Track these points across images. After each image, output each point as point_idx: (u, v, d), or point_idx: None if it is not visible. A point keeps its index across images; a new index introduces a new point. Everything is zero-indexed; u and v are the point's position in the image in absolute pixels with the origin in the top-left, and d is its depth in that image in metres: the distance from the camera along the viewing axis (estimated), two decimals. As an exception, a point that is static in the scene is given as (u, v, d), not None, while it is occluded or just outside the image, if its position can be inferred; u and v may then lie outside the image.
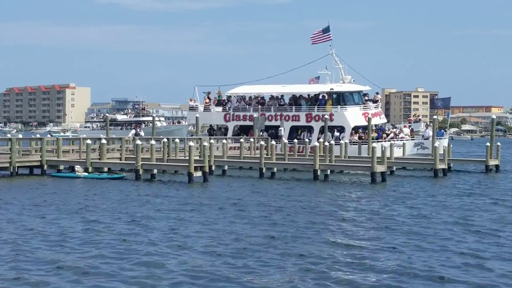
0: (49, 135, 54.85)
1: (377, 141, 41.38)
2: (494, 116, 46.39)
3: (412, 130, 46.16)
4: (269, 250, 13.61)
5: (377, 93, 49.49)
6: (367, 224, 17.58)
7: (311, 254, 13.22)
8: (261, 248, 13.81)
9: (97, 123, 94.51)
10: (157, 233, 15.55)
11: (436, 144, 35.87)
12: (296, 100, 47.79)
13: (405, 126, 48.35)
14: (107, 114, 62.53)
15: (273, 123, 46.90)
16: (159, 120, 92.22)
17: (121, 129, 78.97)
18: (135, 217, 18.16)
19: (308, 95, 47.38)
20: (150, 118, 76.02)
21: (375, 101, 47.11)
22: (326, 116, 44.34)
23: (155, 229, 16.15)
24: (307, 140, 43.25)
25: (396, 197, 24.24)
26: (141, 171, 30.57)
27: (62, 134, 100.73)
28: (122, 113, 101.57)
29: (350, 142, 42.75)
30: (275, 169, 33.94)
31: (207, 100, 50.15)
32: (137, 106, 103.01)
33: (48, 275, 11.46)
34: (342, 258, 13.06)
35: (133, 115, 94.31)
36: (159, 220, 17.59)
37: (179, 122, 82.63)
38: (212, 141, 35.71)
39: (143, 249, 13.58)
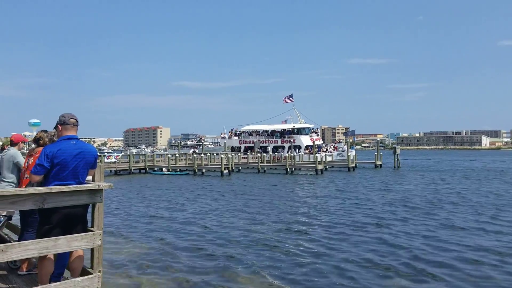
0: (144, 151, 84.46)
1: (318, 153, 59.13)
2: (378, 139, 70.11)
3: (336, 147, 67.47)
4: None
5: (317, 128, 71.01)
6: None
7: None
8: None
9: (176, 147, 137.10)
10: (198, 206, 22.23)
11: (349, 153, 57.58)
12: (273, 133, 68.60)
13: (331, 145, 69.58)
14: (175, 141, 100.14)
15: (264, 144, 67.26)
16: (209, 144, 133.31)
17: (190, 149, 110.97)
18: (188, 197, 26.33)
19: (281, 130, 68.89)
20: (205, 143, 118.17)
21: (315, 132, 68.82)
22: (292, 140, 64.96)
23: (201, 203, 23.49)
24: (282, 153, 63.41)
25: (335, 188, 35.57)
26: (196, 170, 47.67)
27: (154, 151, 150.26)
28: (190, 140, 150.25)
29: (304, 154, 61.61)
30: (266, 168, 53.89)
31: (230, 133, 72.14)
32: (198, 137, 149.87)
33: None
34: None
35: (196, 141, 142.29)
36: (204, 198, 25.57)
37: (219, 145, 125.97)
38: (233, 154, 57.13)
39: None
